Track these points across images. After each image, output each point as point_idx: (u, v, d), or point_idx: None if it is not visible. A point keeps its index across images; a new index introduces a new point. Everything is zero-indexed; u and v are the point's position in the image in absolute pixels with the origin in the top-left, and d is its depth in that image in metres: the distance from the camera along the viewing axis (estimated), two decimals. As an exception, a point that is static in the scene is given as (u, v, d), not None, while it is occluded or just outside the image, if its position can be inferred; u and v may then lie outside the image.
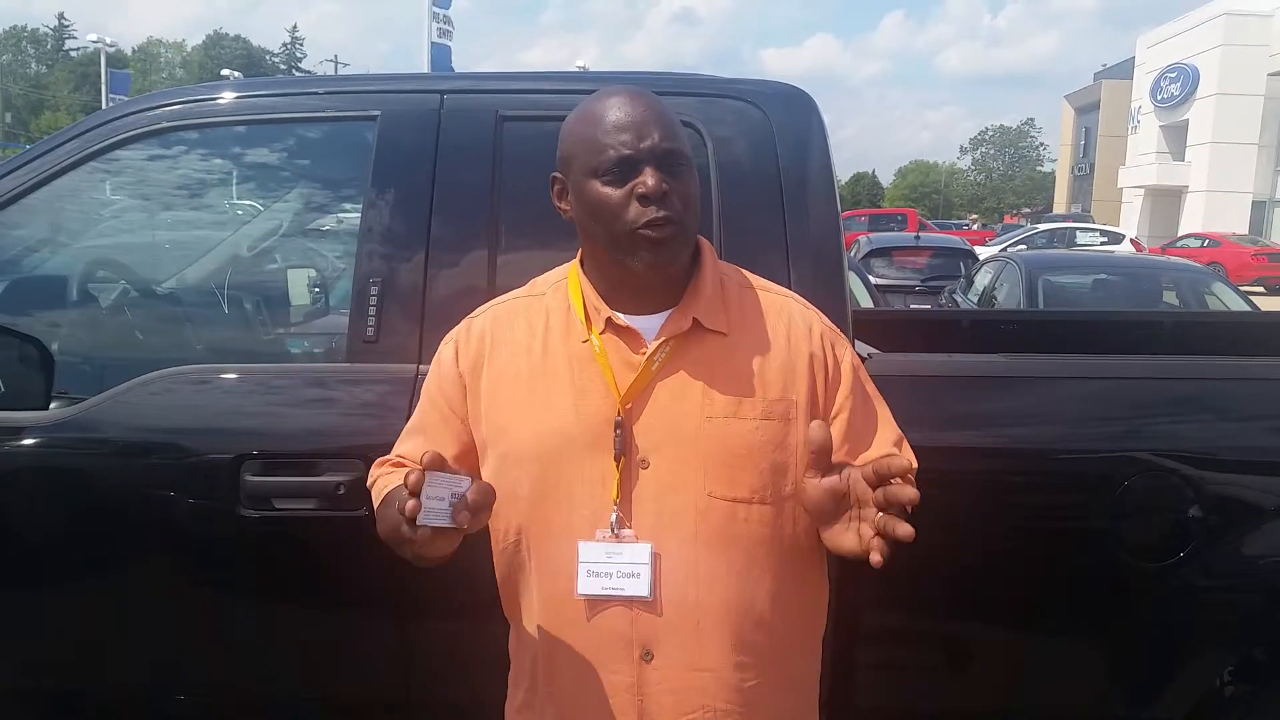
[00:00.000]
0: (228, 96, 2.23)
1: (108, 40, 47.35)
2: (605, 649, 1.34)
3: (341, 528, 1.92)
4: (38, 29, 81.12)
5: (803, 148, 2.11)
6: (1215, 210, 35.12)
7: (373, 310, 2.03)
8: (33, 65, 79.46)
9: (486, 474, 1.42)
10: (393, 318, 2.03)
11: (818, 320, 1.47)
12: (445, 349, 1.50)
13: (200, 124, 2.24)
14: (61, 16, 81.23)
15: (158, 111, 2.19)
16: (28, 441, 1.99)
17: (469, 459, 1.45)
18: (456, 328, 1.52)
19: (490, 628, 1.59)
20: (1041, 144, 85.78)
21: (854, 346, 1.78)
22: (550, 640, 1.39)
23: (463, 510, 1.16)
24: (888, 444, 1.43)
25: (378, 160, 2.12)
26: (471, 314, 1.52)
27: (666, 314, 1.39)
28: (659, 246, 1.32)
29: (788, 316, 1.44)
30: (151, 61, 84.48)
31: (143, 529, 2.00)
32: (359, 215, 2.16)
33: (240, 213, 3.25)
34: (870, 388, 1.48)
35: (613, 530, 1.31)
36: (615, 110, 1.33)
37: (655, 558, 1.31)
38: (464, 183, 2.10)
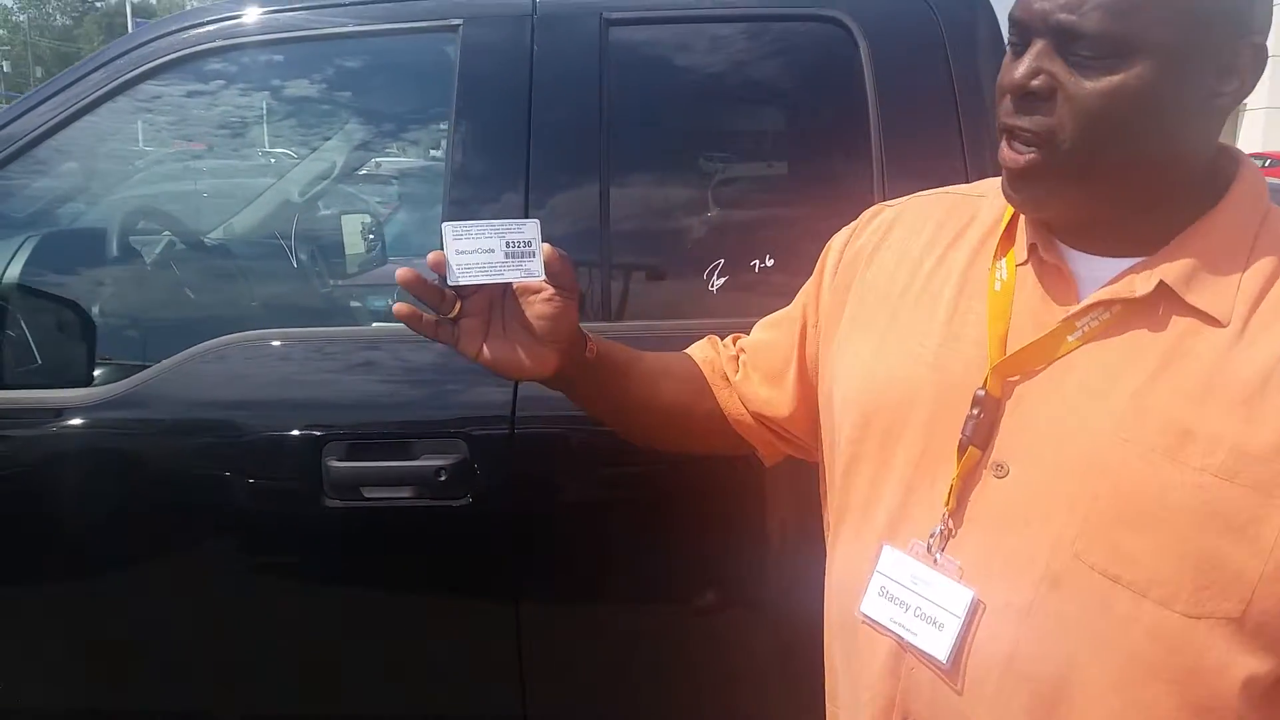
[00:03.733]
0: (275, 11, 1.88)
1: (132, -12, 46.90)
2: (866, 694, 0.96)
3: (444, 521, 1.63)
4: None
5: (975, 43, 1.75)
6: (1277, 127, 33.91)
7: (469, 261, 1.70)
8: (58, 18, 79.17)
9: (823, 409, 1.10)
10: (492, 268, 1.70)
11: None
12: (840, 234, 1.14)
13: (247, 44, 1.88)
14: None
15: (194, 32, 1.83)
16: (70, 423, 1.70)
17: (802, 382, 1.15)
18: (868, 210, 1.13)
19: (610, 641, 1.37)
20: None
21: None
22: (830, 649, 1.06)
23: (531, 257, 0.99)
24: None
25: (463, 80, 1.77)
26: (890, 201, 1.13)
27: (1130, 262, 0.88)
28: (1009, 176, 0.89)
29: None
30: (177, 9, 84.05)
31: (206, 526, 1.71)
32: (439, 148, 1.83)
33: (291, 153, 2.94)
34: None
35: (930, 547, 0.91)
36: None
37: (975, 610, 0.87)
38: (566, 102, 1.75)
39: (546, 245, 1.00)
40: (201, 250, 2.58)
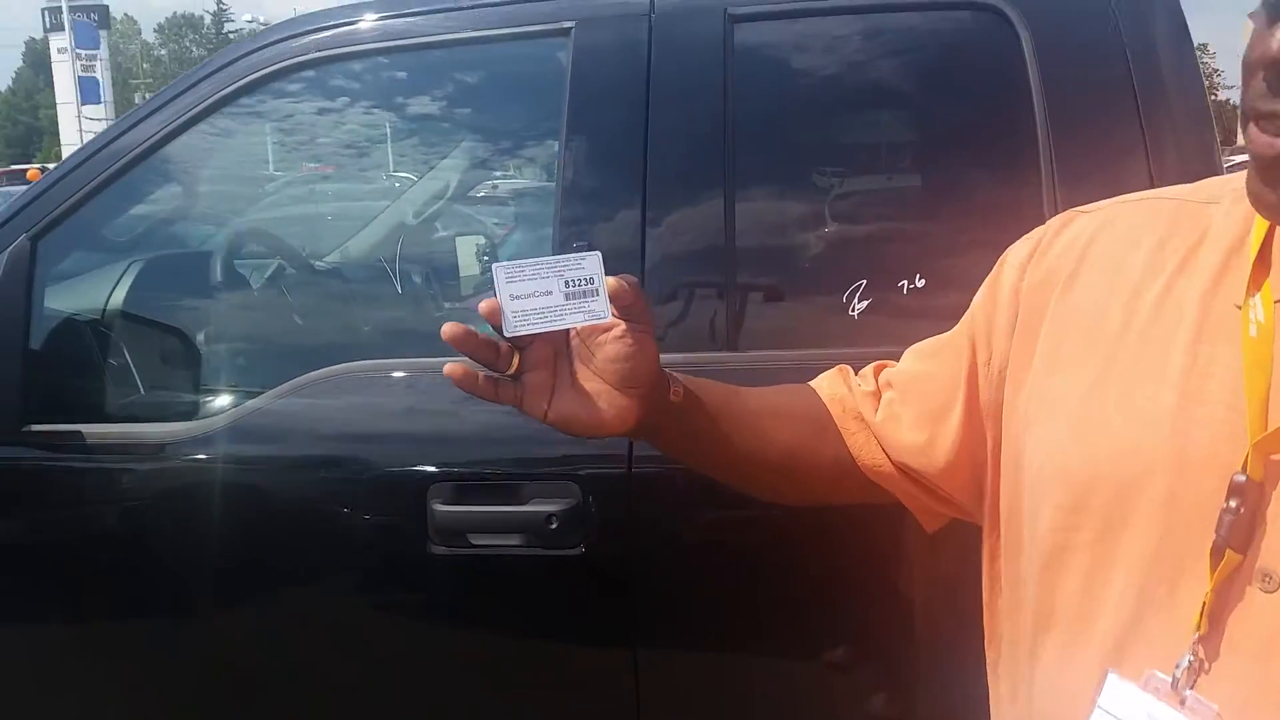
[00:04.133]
0: (383, 18, 1.76)
1: (262, 19, 49.17)
2: None
3: (555, 570, 1.50)
4: (200, 16, 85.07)
5: (1153, 28, 1.54)
6: None
7: (582, 283, 1.56)
8: (194, 50, 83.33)
9: (1004, 471, 0.87)
10: (606, 293, 1.55)
11: None
12: (1019, 247, 0.90)
13: (356, 53, 1.78)
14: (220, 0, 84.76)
15: (298, 42, 1.72)
16: (172, 458, 1.62)
17: (968, 429, 0.91)
18: (1055, 218, 0.91)
19: (734, 701, 1.38)
20: (1216, 70, 79.40)
21: None
22: None
23: (594, 296, 0.82)
24: None
25: (575, 86, 1.63)
26: (1084, 206, 0.89)
27: None
28: (1259, 166, 0.67)
29: None
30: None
31: (308, 571, 1.62)
32: (551, 162, 1.71)
33: (412, 176, 2.86)
34: None
35: (1175, 682, 0.69)
36: None
37: None
38: (687, 109, 1.60)
39: (611, 278, 0.84)
40: (312, 275, 2.51)
